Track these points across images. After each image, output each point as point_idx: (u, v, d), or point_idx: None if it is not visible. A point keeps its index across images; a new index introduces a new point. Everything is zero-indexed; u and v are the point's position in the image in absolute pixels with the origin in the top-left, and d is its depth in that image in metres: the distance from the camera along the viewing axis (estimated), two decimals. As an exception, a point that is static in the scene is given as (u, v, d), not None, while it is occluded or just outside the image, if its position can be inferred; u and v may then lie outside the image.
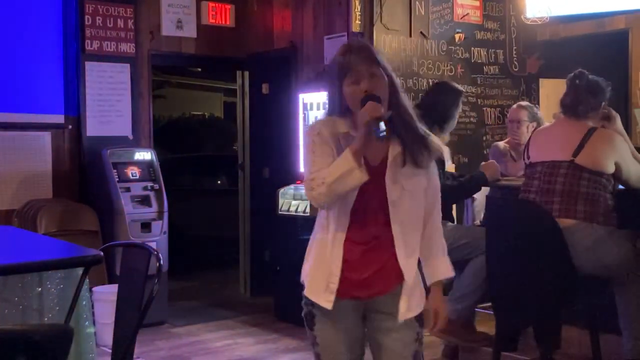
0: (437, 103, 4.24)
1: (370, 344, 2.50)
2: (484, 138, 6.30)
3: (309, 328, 2.47)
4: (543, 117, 5.28)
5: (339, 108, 2.42)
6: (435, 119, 4.14)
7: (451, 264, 2.54)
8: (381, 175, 2.37)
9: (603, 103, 3.74)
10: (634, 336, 3.54)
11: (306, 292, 2.45)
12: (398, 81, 2.43)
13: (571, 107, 3.70)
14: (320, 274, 2.41)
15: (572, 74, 3.78)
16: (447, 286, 4.09)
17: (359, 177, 2.27)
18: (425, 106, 4.21)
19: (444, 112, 4.23)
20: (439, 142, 2.49)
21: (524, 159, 3.87)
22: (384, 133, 2.23)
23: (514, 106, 5.31)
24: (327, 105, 2.49)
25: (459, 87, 4.54)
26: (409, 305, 2.40)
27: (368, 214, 2.38)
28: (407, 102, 2.44)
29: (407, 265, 2.39)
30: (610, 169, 3.53)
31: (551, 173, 3.59)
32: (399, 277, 2.39)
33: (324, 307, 2.38)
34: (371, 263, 2.38)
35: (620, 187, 3.67)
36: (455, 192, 4.15)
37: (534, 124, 5.13)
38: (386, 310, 2.42)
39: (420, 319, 2.46)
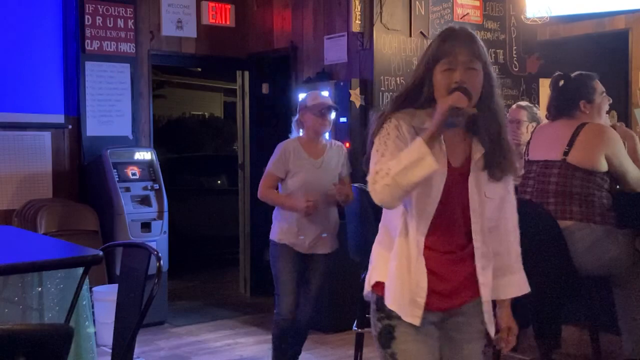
0: None
1: (442, 349, 2.32)
2: (484, 138, 6.29)
3: (385, 346, 2.23)
4: (543, 117, 5.28)
5: (421, 97, 2.19)
6: None
7: (525, 281, 2.39)
8: (464, 177, 2.21)
9: (592, 98, 3.68)
10: (634, 336, 3.54)
11: (389, 304, 2.20)
12: (496, 80, 2.23)
13: (556, 109, 3.69)
14: (403, 285, 2.19)
15: (553, 77, 3.77)
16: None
17: (429, 164, 2.03)
18: None
19: None
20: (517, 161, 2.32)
21: (523, 156, 3.87)
22: (454, 125, 2.10)
23: (513, 106, 5.30)
24: (404, 93, 2.26)
25: None
26: (489, 319, 2.29)
27: (450, 221, 2.21)
28: (501, 105, 2.25)
29: (484, 278, 2.25)
30: (602, 166, 3.49)
31: (544, 173, 3.58)
32: (478, 289, 2.26)
33: (410, 323, 2.18)
34: (456, 274, 2.23)
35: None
36: None
37: (534, 124, 5.12)
38: (464, 318, 2.28)
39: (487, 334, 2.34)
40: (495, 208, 2.27)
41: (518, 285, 2.36)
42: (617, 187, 3.62)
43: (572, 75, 3.72)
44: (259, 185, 4.24)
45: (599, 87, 3.70)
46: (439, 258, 2.20)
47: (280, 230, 4.18)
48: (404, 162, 2.04)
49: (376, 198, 2.09)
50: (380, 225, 2.34)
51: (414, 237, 2.19)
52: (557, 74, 3.79)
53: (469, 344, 2.31)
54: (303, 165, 4.17)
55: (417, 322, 2.17)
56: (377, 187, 2.07)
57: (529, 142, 3.87)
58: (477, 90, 2.16)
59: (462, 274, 2.24)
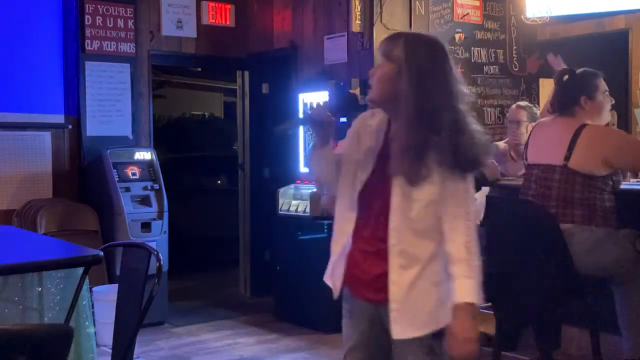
0: None
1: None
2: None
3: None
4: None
5: None
6: None
7: (478, 290, 2.22)
8: (390, 175, 2.26)
9: (594, 95, 3.67)
10: (634, 336, 3.54)
11: (326, 278, 2.50)
12: (425, 83, 2.23)
13: (556, 105, 3.70)
14: (331, 264, 2.46)
15: (557, 72, 3.78)
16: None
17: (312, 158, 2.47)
18: None
19: None
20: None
21: (523, 158, 3.87)
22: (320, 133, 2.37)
23: (513, 106, 5.31)
24: None
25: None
26: (403, 326, 2.25)
27: (373, 214, 2.31)
28: (418, 101, 2.22)
29: (400, 278, 2.24)
30: (603, 170, 3.49)
31: (546, 177, 3.58)
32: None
33: (347, 305, 2.44)
34: (375, 267, 2.29)
35: (624, 185, 3.64)
36: None
37: (533, 124, 5.13)
38: (387, 322, 2.29)
39: (431, 350, 2.27)
40: (422, 210, 2.24)
41: (457, 292, 2.20)
42: (621, 185, 3.61)
43: (577, 71, 3.71)
44: None
45: (602, 85, 3.68)
46: (363, 247, 2.33)
47: None
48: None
49: None
50: None
51: (344, 221, 2.38)
52: (562, 68, 3.79)
53: (397, 353, 2.31)
54: None
55: (335, 293, 2.40)
56: None
57: (527, 141, 3.86)
58: (377, 87, 2.31)
59: (382, 268, 2.27)
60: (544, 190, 3.56)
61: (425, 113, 2.21)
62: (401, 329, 2.26)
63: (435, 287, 2.26)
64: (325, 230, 5.31)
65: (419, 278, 2.25)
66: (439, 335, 2.26)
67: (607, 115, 3.79)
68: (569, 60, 5.79)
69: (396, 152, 2.24)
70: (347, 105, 2.46)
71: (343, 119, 5.50)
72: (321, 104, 2.45)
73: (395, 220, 2.25)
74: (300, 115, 2.48)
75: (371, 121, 2.40)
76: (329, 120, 2.36)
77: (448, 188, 2.24)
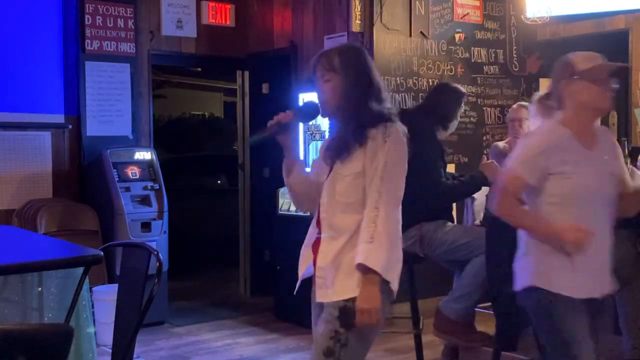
0: (439, 103, 4.26)
1: None
2: (484, 138, 6.30)
3: None
4: None
5: None
6: (438, 119, 4.19)
7: (378, 257, 2.34)
8: None
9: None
10: (634, 336, 3.54)
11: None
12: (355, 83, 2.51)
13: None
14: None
15: None
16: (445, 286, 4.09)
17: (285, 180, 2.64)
18: (427, 107, 4.28)
19: (446, 112, 4.24)
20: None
21: None
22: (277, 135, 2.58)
23: (515, 106, 5.33)
24: None
25: (461, 88, 4.55)
26: (324, 290, 2.46)
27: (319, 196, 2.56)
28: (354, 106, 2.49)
29: (327, 247, 2.46)
30: None
31: None
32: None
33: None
34: (311, 239, 2.55)
35: None
36: (455, 192, 4.16)
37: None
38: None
39: (343, 315, 2.38)
40: (348, 185, 2.44)
41: (359, 254, 2.37)
42: None
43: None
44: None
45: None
46: (312, 229, 2.58)
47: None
48: None
49: None
50: None
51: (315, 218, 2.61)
52: None
53: (319, 318, 2.50)
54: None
55: (299, 275, 2.65)
56: None
57: None
58: (334, 96, 2.49)
59: (313, 240, 2.54)
60: None
61: (351, 113, 2.50)
62: (323, 294, 2.46)
63: None
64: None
65: (344, 248, 2.43)
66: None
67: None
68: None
69: (325, 145, 2.57)
70: (308, 112, 2.59)
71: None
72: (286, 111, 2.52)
73: (324, 196, 2.49)
74: (268, 125, 2.54)
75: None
76: (291, 122, 2.57)
77: (368, 154, 2.42)
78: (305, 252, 2.60)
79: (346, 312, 2.37)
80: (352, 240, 2.41)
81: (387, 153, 2.41)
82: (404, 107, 5.50)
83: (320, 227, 2.53)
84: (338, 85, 2.48)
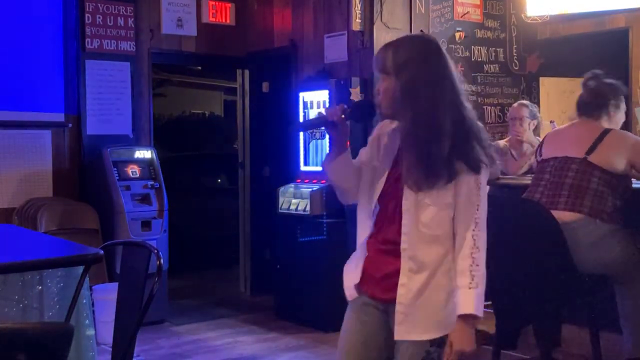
0: None
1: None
2: (484, 137, 6.29)
3: None
4: (542, 116, 5.33)
5: None
6: None
7: (479, 301, 2.24)
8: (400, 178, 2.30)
9: (620, 104, 3.74)
10: (635, 335, 3.54)
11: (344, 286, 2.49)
12: (427, 87, 2.26)
13: (583, 107, 3.73)
14: (348, 267, 2.46)
15: (586, 75, 3.81)
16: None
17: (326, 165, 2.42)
18: None
19: None
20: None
21: (536, 157, 3.88)
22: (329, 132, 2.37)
23: (515, 104, 5.34)
24: None
25: None
26: (407, 327, 2.26)
27: (386, 216, 2.33)
28: (413, 111, 2.23)
29: (410, 281, 2.25)
30: (623, 170, 3.52)
31: (562, 167, 3.59)
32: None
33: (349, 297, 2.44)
34: (385, 265, 2.31)
35: (635, 184, 3.65)
36: None
37: (534, 121, 5.18)
38: (392, 322, 2.31)
39: (428, 358, 2.28)
40: (435, 216, 2.24)
41: (461, 303, 2.24)
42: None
43: (606, 79, 3.76)
44: None
45: (623, 98, 3.79)
46: (377, 246, 2.35)
47: None
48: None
49: None
50: None
51: (363, 228, 2.41)
52: (591, 72, 3.81)
53: (401, 347, 2.30)
54: None
55: (349, 297, 2.42)
56: None
57: (541, 144, 3.87)
58: (385, 103, 2.29)
59: (391, 268, 2.29)
60: (557, 179, 3.58)
61: (423, 121, 2.22)
62: (405, 331, 2.27)
63: (443, 294, 2.27)
64: (325, 230, 5.32)
65: (428, 283, 2.26)
66: (441, 343, 2.27)
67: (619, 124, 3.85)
68: (570, 59, 5.81)
69: (404, 164, 2.26)
70: (363, 111, 2.42)
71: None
72: (337, 105, 2.38)
73: (407, 224, 2.25)
74: (312, 117, 2.45)
75: (391, 126, 2.39)
76: (342, 122, 2.31)
77: (461, 192, 2.25)
78: (356, 267, 2.41)
79: (431, 355, 2.28)
80: (436, 275, 2.25)
81: (482, 194, 2.28)
82: None
83: (372, 248, 2.37)
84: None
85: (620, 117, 3.78)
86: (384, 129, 2.42)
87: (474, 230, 2.25)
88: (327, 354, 4.88)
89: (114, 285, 3.52)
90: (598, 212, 3.46)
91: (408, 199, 2.25)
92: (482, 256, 2.26)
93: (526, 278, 3.49)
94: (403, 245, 2.26)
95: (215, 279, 7.58)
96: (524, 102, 5.38)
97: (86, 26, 5.85)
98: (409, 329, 2.26)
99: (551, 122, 5.16)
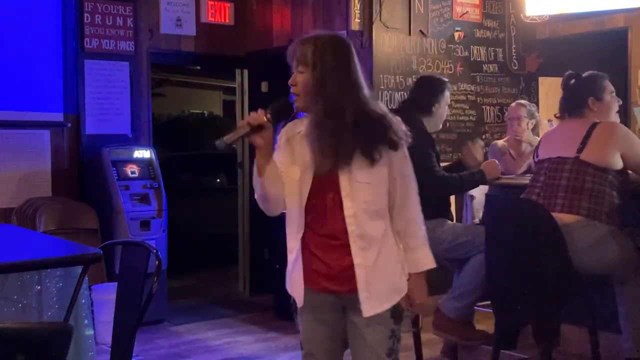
0: (420, 95, 4.27)
1: (349, 339, 2.54)
2: (484, 136, 6.29)
3: (295, 319, 2.65)
4: (540, 116, 5.33)
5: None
6: (422, 111, 4.19)
7: (431, 254, 2.55)
8: (334, 171, 2.42)
9: (601, 95, 3.70)
10: (634, 335, 3.54)
11: (288, 288, 2.60)
12: (335, 77, 2.43)
13: (566, 108, 3.73)
14: (289, 266, 2.54)
15: (564, 76, 3.80)
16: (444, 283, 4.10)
17: (255, 178, 2.42)
18: (411, 101, 4.28)
19: (427, 103, 4.23)
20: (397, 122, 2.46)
21: (533, 158, 3.88)
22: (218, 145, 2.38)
23: (513, 104, 5.35)
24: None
25: (442, 77, 4.55)
26: (372, 302, 2.42)
27: (324, 208, 2.43)
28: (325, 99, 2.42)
29: (363, 259, 2.40)
30: (617, 163, 3.50)
31: (556, 169, 3.59)
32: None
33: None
34: (338, 259, 2.43)
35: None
36: (451, 184, 4.14)
37: (533, 121, 5.18)
38: (356, 306, 2.44)
39: (395, 315, 2.47)
40: (374, 192, 2.42)
41: (421, 261, 2.52)
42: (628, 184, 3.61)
43: (584, 74, 3.74)
44: None
45: (609, 86, 3.73)
46: (320, 242, 2.44)
47: None
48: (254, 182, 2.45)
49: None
50: None
51: (295, 226, 2.47)
52: (568, 73, 3.80)
53: (369, 327, 2.44)
54: None
55: (299, 303, 2.52)
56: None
57: (538, 145, 3.88)
58: (304, 89, 2.48)
59: (342, 258, 2.41)
60: (552, 181, 3.57)
61: (331, 111, 2.40)
62: (371, 307, 2.42)
63: (393, 261, 2.47)
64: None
65: (379, 256, 2.42)
66: (400, 319, 2.50)
67: (615, 117, 3.81)
68: (569, 59, 5.80)
69: (317, 153, 2.40)
70: (285, 110, 2.49)
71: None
72: (257, 111, 2.45)
73: (350, 207, 2.40)
74: (239, 124, 2.46)
75: (298, 128, 2.50)
76: (267, 124, 2.40)
77: (393, 167, 2.44)
78: (296, 271, 2.51)
79: (397, 310, 2.47)
80: (383, 247, 2.44)
81: (410, 164, 2.51)
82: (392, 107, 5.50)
83: (308, 239, 2.46)
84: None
85: (606, 109, 3.70)
86: (290, 132, 2.52)
87: (412, 196, 2.51)
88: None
89: (113, 285, 3.52)
90: (596, 213, 3.45)
91: (345, 185, 2.39)
92: (421, 218, 2.53)
93: (525, 278, 3.49)
94: (350, 228, 2.39)
95: (214, 278, 7.58)
96: (522, 101, 5.38)
97: (85, 26, 5.85)
98: (374, 305, 2.43)
99: (549, 121, 5.16)
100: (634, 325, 3.53)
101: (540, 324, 3.77)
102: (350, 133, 2.36)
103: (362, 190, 2.39)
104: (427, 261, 2.52)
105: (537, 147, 3.89)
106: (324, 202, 2.42)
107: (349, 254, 2.41)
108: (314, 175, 2.43)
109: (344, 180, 2.39)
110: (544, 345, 3.78)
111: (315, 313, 2.53)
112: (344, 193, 2.39)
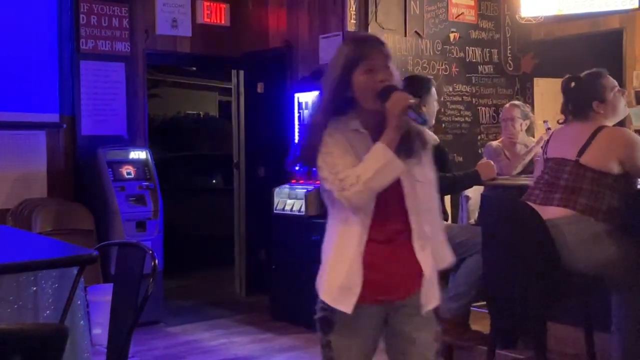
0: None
1: (391, 344, 2.45)
2: (479, 137, 6.31)
3: (324, 332, 2.47)
4: (534, 116, 5.34)
5: (341, 103, 2.33)
6: None
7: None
8: None
9: (604, 95, 3.67)
10: (626, 343, 3.52)
11: (323, 296, 2.41)
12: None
13: (571, 112, 3.69)
14: (341, 276, 2.35)
15: (563, 80, 3.77)
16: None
17: (400, 167, 2.27)
18: None
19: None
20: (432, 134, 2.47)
21: (542, 155, 3.87)
22: (425, 118, 2.28)
23: (507, 105, 5.35)
24: (331, 102, 2.36)
25: (427, 76, 4.55)
26: (428, 297, 2.38)
27: (386, 209, 2.33)
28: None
29: (424, 257, 2.36)
30: (615, 169, 3.48)
31: (557, 169, 3.58)
32: (420, 271, 2.36)
33: (344, 312, 2.32)
34: (397, 263, 2.35)
35: None
36: (444, 183, 4.13)
37: (527, 122, 5.18)
38: (411, 309, 2.37)
39: (437, 316, 2.45)
40: (427, 190, 2.42)
41: (446, 256, 2.49)
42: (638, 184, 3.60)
43: (582, 75, 3.70)
44: None
45: (610, 83, 3.66)
46: (377, 248, 2.33)
47: None
48: (373, 168, 2.24)
49: (347, 203, 2.27)
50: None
51: (356, 230, 2.33)
52: (567, 76, 3.76)
53: (420, 333, 2.39)
54: None
55: (349, 309, 2.31)
56: (348, 193, 2.24)
57: (547, 143, 3.86)
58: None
59: (404, 264, 2.35)
60: (553, 180, 3.57)
61: None
62: (428, 301, 2.39)
63: (433, 260, 2.42)
64: (320, 230, 5.31)
65: (430, 255, 2.40)
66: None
67: (624, 110, 3.76)
68: (564, 60, 5.82)
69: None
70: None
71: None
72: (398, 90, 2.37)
73: (411, 206, 2.35)
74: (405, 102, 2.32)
75: (351, 125, 2.36)
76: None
77: (431, 167, 2.46)
78: (354, 280, 2.34)
79: (437, 311, 2.46)
80: (430, 244, 2.42)
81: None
82: None
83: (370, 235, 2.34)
84: None
85: (612, 107, 3.65)
86: (345, 130, 2.35)
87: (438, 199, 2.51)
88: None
89: (109, 286, 3.52)
90: (593, 210, 3.43)
91: (406, 182, 2.34)
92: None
93: (516, 278, 3.49)
94: (413, 226, 2.35)
95: (210, 279, 7.58)
96: (516, 102, 5.39)
97: (81, 27, 5.85)
98: (431, 298, 2.40)
99: (544, 122, 5.17)
100: (628, 334, 3.47)
101: (527, 323, 3.75)
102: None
103: (420, 188, 2.38)
104: (449, 257, 2.51)
105: (546, 143, 3.85)
106: (386, 201, 2.32)
107: (412, 254, 2.35)
108: None
109: (405, 180, 2.34)
110: (536, 346, 3.78)
111: (356, 328, 2.39)
112: (406, 191, 2.34)
